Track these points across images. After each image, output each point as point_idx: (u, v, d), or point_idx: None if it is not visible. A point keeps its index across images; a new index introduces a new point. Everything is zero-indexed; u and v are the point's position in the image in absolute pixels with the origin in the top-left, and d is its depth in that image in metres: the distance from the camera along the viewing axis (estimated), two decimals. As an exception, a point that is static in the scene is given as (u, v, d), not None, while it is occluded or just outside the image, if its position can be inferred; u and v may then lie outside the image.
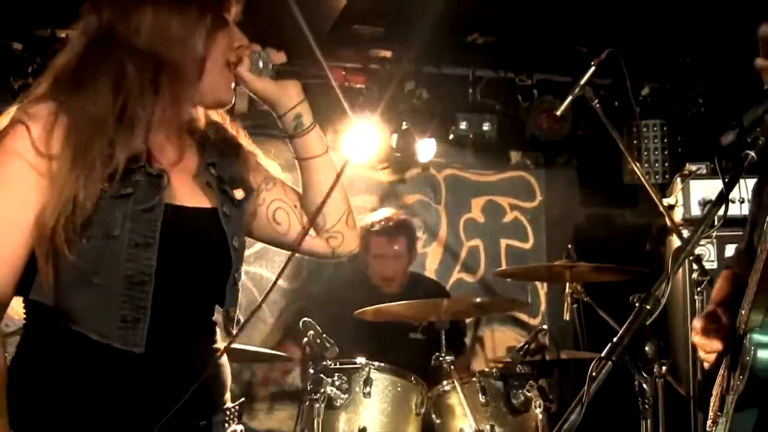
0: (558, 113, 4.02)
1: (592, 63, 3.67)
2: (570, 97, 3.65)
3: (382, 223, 4.99)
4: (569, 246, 4.47)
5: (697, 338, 2.52)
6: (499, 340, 6.19)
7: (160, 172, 1.93)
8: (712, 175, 4.92)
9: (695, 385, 4.48)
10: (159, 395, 1.89)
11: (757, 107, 1.83)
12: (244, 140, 2.19)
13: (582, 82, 3.64)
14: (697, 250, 4.13)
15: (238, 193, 2.09)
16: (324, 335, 3.71)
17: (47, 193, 1.83)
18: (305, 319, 3.76)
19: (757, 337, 2.28)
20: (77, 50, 1.95)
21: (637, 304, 1.71)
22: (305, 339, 3.74)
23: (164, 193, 1.92)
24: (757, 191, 2.60)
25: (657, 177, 5.54)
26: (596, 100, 3.68)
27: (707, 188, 4.85)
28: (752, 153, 1.81)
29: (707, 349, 2.51)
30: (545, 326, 5.01)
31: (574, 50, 4.98)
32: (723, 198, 1.76)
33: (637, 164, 4.07)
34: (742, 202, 4.16)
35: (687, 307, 4.77)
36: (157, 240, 1.87)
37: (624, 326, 1.65)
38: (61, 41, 2.01)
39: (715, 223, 1.82)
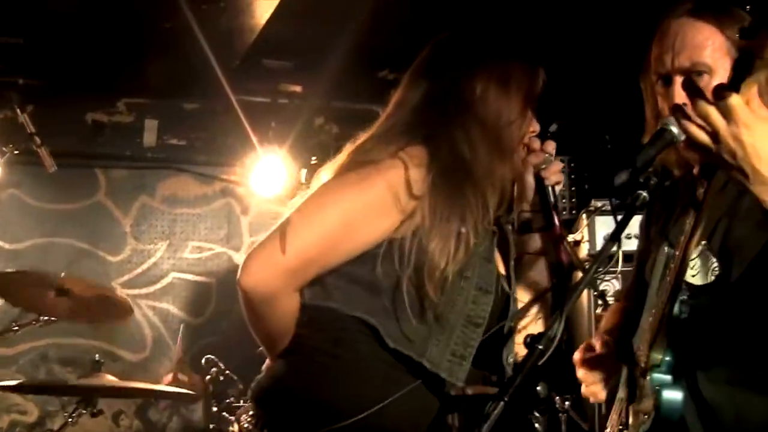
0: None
1: (499, 100, 3.70)
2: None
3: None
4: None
5: (580, 372, 2.52)
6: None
7: (495, 227, 2.13)
8: (616, 211, 4.97)
9: (600, 419, 4.52)
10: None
11: (650, 148, 1.87)
12: None
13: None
14: (602, 286, 4.17)
15: None
16: (227, 372, 3.67)
17: (399, 227, 1.99)
18: (208, 356, 3.71)
19: (658, 377, 2.29)
20: (418, 102, 2.21)
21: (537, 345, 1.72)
22: (208, 376, 3.69)
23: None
24: (644, 227, 2.63)
25: (563, 213, 5.60)
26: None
27: (612, 224, 4.88)
28: (644, 193, 1.86)
29: (588, 381, 2.51)
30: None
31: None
32: (616, 237, 1.80)
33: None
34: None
35: (592, 342, 4.81)
36: (494, 289, 2.06)
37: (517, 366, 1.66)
38: None
39: (611, 259, 1.85)
